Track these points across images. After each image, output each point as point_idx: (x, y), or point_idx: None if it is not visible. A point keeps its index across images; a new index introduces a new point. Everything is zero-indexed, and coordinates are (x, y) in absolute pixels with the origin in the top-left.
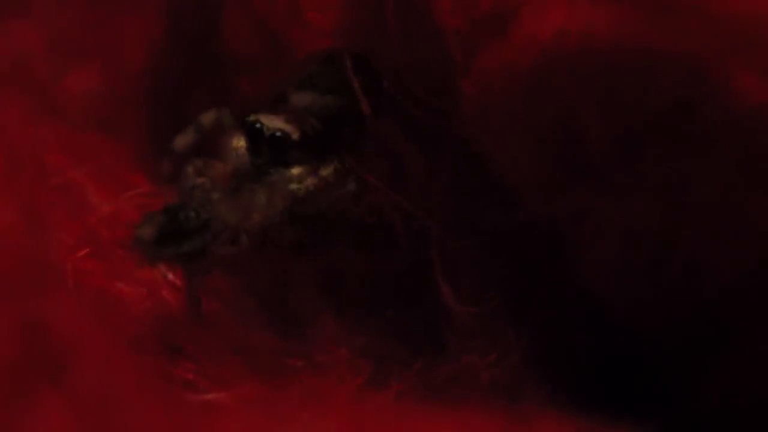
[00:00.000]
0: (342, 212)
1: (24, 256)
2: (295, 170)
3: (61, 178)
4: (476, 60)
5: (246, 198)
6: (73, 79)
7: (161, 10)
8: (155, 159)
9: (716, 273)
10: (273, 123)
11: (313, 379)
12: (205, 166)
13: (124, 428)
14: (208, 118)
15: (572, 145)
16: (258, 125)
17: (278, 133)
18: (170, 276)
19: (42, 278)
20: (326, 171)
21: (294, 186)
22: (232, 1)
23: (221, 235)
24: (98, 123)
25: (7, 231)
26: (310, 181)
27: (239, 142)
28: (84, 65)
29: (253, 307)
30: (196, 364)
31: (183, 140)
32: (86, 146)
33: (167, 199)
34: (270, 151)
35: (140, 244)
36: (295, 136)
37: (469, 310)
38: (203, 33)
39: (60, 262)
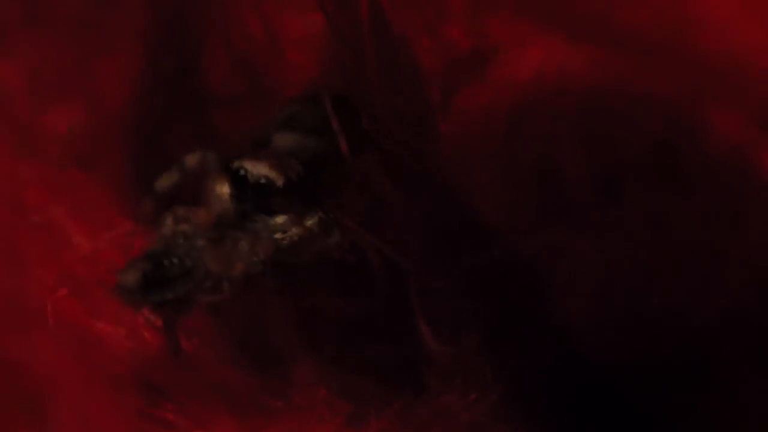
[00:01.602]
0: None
1: (3, 295)
2: (279, 219)
3: (41, 217)
4: (455, 100)
5: (229, 246)
6: (54, 117)
7: (141, 47)
8: (137, 197)
9: (694, 313)
10: (257, 170)
11: (292, 420)
12: (186, 214)
13: None
14: (192, 159)
15: (550, 184)
16: (242, 172)
17: (263, 180)
18: (150, 316)
19: (21, 317)
20: (311, 221)
21: (278, 236)
22: (212, 39)
23: (204, 283)
24: (79, 161)
25: None
26: (294, 231)
27: (222, 188)
28: (64, 103)
29: (232, 347)
30: (175, 404)
31: (166, 181)
32: (66, 184)
33: (148, 239)
34: (254, 198)
35: (123, 291)
36: (280, 182)
37: (448, 349)
38: (183, 71)
39: (39, 301)
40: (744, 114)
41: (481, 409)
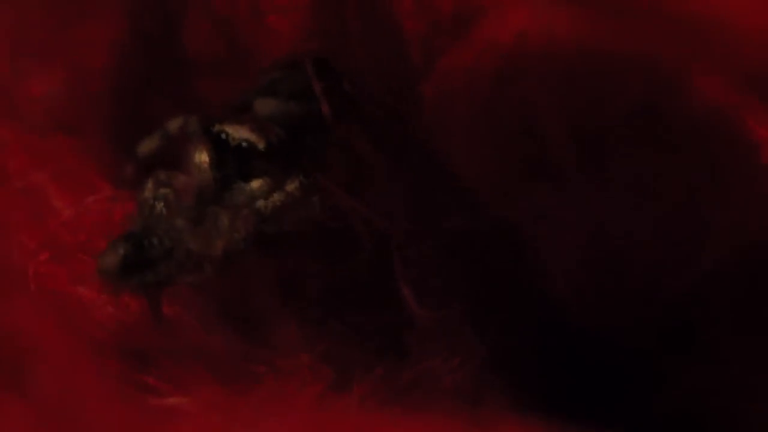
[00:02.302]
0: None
1: None
2: (255, 184)
3: (23, 182)
4: (437, 63)
5: (209, 224)
6: (35, 82)
7: (122, 12)
8: (118, 162)
9: (677, 274)
10: (238, 133)
11: (275, 384)
12: (167, 178)
13: None
14: (174, 124)
15: (533, 147)
16: (223, 135)
17: (244, 143)
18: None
19: (3, 282)
20: (292, 186)
21: (260, 203)
22: (193, 3)
23: (185, 264)
24: (60, 126)
25: None
26: (276, 197)
27: (201, 157)
28: (45, 68)
29: (214, 312)
30: (157, 368)
31: (147, 145)
32: (48, 149)
33: (130, 204)
34: (235, 162)
35: (104, 274)
36: (261, 145)
37: (431, 314)
38: (164, 36)
39: (22, 266)
40: (727, 76)
41: (464, 374)
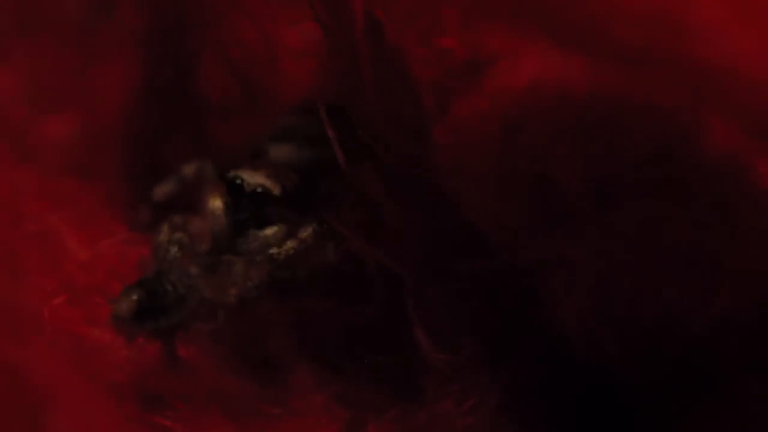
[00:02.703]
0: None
1: (0, 303)
2: (270, 231)
3: (38, 225)
4: (450, 109)
5: (223, 272)
6: (51, 125)
7: (138, 57)
8: (133, 206)
9: (691, 320)
10: (254, 179)
11: (290, 426)
12: (182, 222)
13: None
14: (189, 169)
15: (546, 193)
16: (238, 181)
17: (259, 189)
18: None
19: (19, 325)
20: (305, 233)
21: (274, 251)
22: (208, 48)
23: (198, 310)
24: (75, 169)
25: None
26: (290, 245)
27: (216, 203)
28: (61, 111)
29: (229, 354)
30: (173, 410)
31: (163, 190)
32: (63, 192)
33: (144, 247)
34: (250, 207)
35: (118, 320)
36: (276, 191)
37: (444, 356)
38: (180, 80)
39: (37, 309)
40: (738, 122)
41: (477, 416)
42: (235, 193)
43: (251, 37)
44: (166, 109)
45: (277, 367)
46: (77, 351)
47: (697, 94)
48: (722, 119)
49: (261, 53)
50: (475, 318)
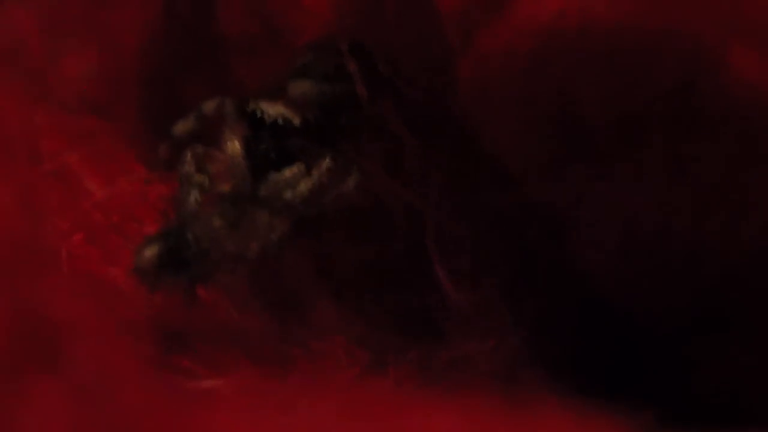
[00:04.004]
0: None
1: (18, 242)
2: (289, 172)
3: (56, 163)
4: (474, 42)
5: (246, 225)
6: (68, 64)
7: None
8: (151, 144)
9: (716, 256)
10: (274, 110)
11: (311, 367)
12: (205, 155)
13: (120, 414)
14: (209, 106)
15: (571, 127)
16: (258, 113)
17: (280, 120)
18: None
19: (37, 263)
20: (323, 168)
21: (288, 194)
22: None
23: (220, 264)
24: (93, 107)
25: (1, 216)
26: (303, 186)
27: (234, 147)
28: (79, 49)
29: (250, 294)
30: (192, 350)
31: (183, 127)
32: (81, 131)
33: (163, 187)
34: (271, 139)
35: (139, 272)
36: (297, 121)
37: (466, 296)
38: (198, 16)
39: (55, 248)
40: (765, 52)
41: (500, 356)
42: (255, 125)
43: None
44: (184, 46)
45: (297, 308)
46: (95, 289)
47: (722, 23)
48: (749, 49)
49: None
50: (497, 256)
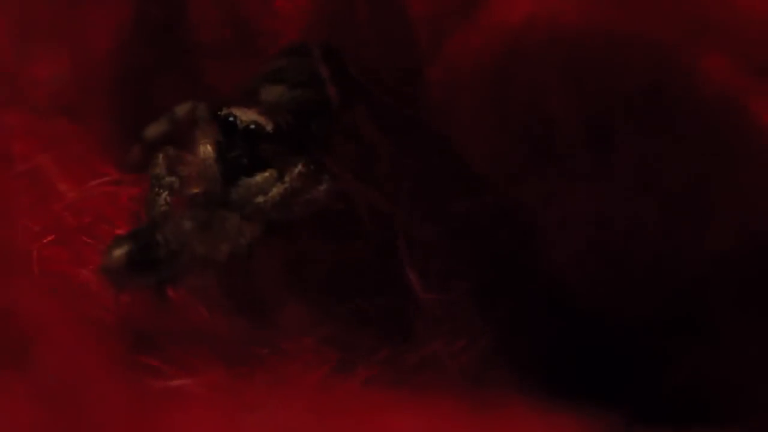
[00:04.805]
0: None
1: None
2: (260, 177)
3: (27, 165)
4: (444, 47)
5: (217, 228)
6: (39, 66)
7: None
8: (122, 146)
9: (683, 259)
10: (246, 116)
11: (279, 367)
12: (176, 157)
13: (88, 414)
14: (182, 109)
15: (540, 130)
16: (231, 118)
17: (252, 126)
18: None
19: (7, 264)
20: (293, 174)
21: (260, 199)
22: None
23: (189, 267)
24: (64, 110)
25: None
26: (275, 191)
27: (207, 149)
28: (50, 51)
29: (219, 294)
30: (161, 350)
31: (155, 129)
32: (52, 133)
33: (134, 189)
34: (244, 144)
35: (107, 271)
36: (269, 128)
37: (435, 297)
38: (171, 20)
39: (25, 249)
40: (734, 58)
41: (469, 357)
42: (227, 130)
43: None
44: (156, 49)
45: (266, 308)
46: (65, 291)
47: (692, 28)
48: (717, 55)
49: None
50: (467, 258)
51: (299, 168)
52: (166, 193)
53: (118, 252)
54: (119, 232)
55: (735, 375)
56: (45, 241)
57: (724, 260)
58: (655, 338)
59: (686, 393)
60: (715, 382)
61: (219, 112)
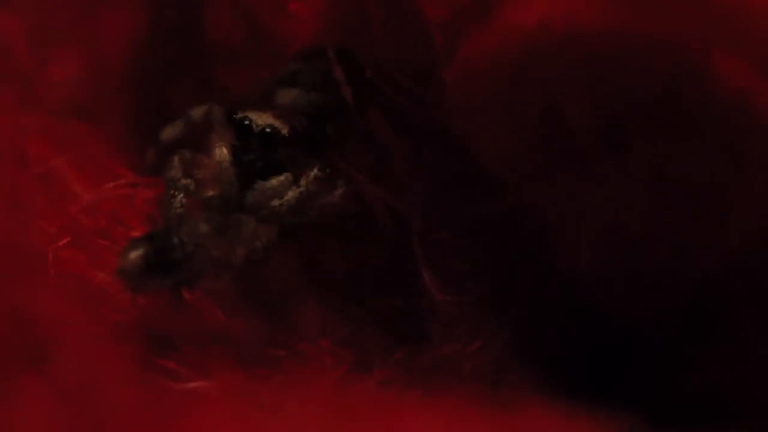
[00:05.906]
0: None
1: (5, 245)
2: (276, 181)
3: (43, 167)
4: (459, 49)
5: (232, 231)
6: (55, 68)
7: None
8: (138, 149)
9: (699, 261)
10: (262, 119)
11: (296, 369)
12: (192, 160)
13: (106, 416)
14: (198, 112)
15: (556, 133)
16: (247, 122)
17: (267, 129)
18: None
19: (24, 267)
20: (309, 177)
21: (276, 203)
22: None
23: (205, 270)
24: (80, 112)
25: None
26: (290, 195)
27: (222, 152)
28: (66, 54)
29: (235, 297)
30: (178, 353)
31: (171, 132)
32: (68, 135)
33: (150, 192)
34: (259, 148)
35: (123, 274)
36: (284, 131)
37: (452, 298)
38: (186, 23)
39: (41, 251)
40: (748, 59)
41: (485, 358)
42: (243, 134)
43: None
44: (172, 52)
45: (283, 310)
46: (81, 293)
47: (709, 30)
48: (734, 57)
49: None
50: (483, 260)
51: (315, 171)
52: (182, 195)
53: (134, 254)
54: (135, 234)
55: (750, 377)
56: (61, 243)
57: (739, 262)
58: (671, 340)
59: (702, 395)
60: (730, 384)
61: (234, 115)
